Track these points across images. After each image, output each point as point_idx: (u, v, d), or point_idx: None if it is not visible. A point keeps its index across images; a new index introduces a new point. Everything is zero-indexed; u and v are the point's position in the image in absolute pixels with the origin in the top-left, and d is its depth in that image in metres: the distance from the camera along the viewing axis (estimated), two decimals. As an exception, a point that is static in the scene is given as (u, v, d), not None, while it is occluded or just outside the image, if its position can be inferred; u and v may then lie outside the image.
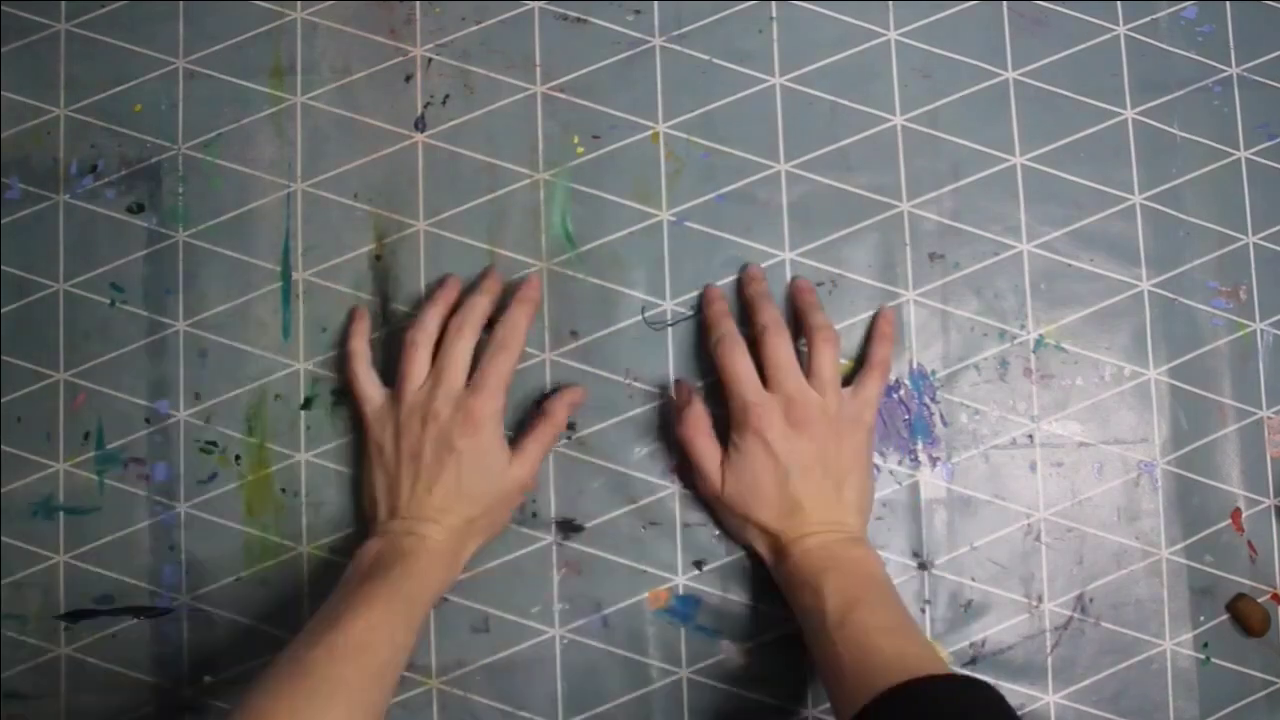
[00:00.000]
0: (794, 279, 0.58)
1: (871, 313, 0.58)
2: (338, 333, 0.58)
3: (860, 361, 0.57)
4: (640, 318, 0.58)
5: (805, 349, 0.55)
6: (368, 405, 0.54)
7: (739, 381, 0.53)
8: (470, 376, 0.53)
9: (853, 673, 0.46)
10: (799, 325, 0.56)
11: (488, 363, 0.52)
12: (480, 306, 0.54)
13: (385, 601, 0.47)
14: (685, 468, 0.56)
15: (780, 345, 0.53)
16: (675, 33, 0.60)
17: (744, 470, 0.53)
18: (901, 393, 0.58)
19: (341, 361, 0.56)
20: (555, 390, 0.57)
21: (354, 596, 0.47)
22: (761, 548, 0.54)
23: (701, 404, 0.55)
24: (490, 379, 0.52)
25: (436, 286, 0.56)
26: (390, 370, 0.55)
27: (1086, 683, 0.56)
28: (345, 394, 0.57)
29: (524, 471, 0.54)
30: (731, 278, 0.58)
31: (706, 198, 0.59)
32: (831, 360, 0.53)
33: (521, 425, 0.56)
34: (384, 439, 0.53)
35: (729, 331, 0.54)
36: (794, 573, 0.51)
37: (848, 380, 0.56)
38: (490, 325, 0.55)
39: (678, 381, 0.57)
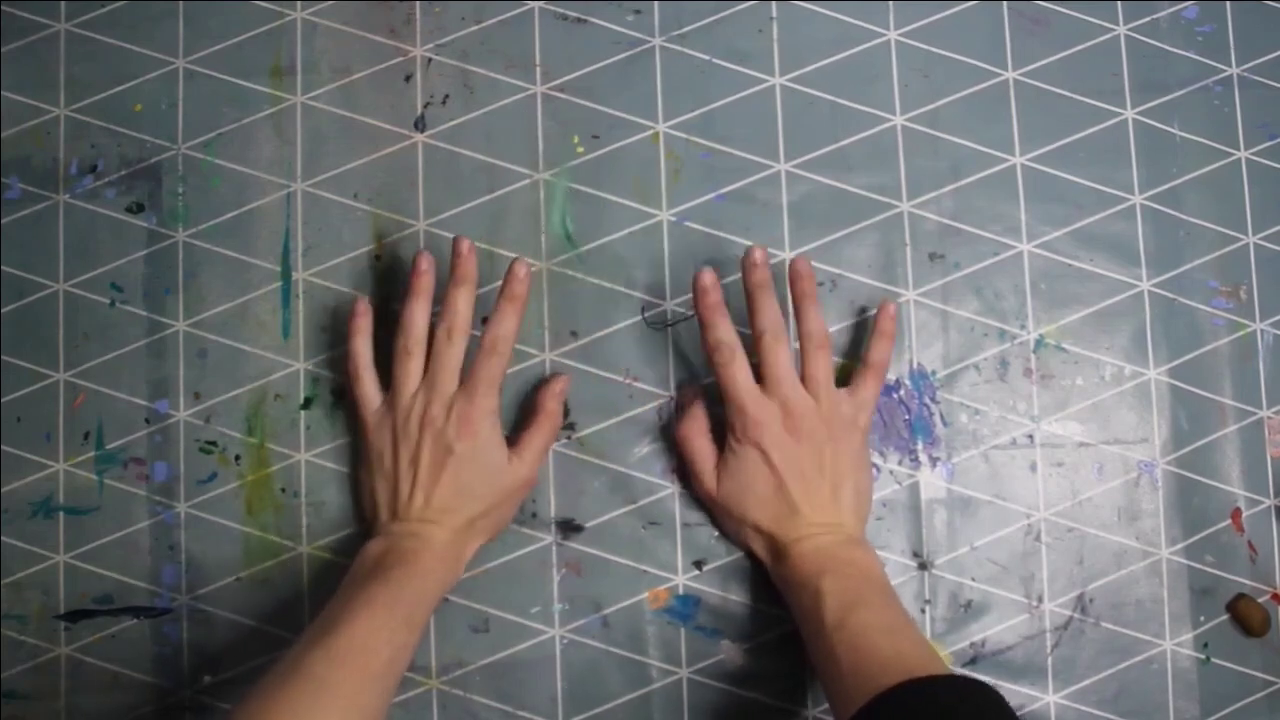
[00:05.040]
0: (793, 261, 0.55)
1: (872, 312, 0.58)
2: (338, 332, 0.58)
3: (858, 359, 0.57)
4: (640, 318, 0.58)
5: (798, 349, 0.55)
6: (366, 410, 0.54)
7: (736, 387, 0.53)
8: (463, 378, 0.53)
9: (851, 673, 0.46)
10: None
11: (478, 367, 0.52)
12: (465, 305, 0.53)
13: (386, 604, 0.47)
14: (683, 473, 0.56)
15: (779, 352, 0.52)
16: (675, 33, 0.60)
17: (739, 473, 0.53)
18: (901, 393, 0.58)
19: (343, 361, 0.56)
20: (541, 383, 0.56)
21: (354, 599, 0.48)
22: (759, 549, 0.54)
23: (702, 405, 0.56)
24: (481, 384, 0.52)
25: (411, 273, 0.54)
26: (388, 370, 0.55)
27: (1086, 683, 0.56)
28: (345, 394, 0.57)
29: (525, 468, 0.54)
30: (733, 277, 0.58)
31: (706, 198, 0.59)
32: (825, 365, 0.53)
33: (519, 425, 0.56)
34: (382, 445, 0.53)
35: (725, 340, 0.53)
36: (792, 574, 0.51)
37: (844, 379, 0.56)
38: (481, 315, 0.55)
39: (684, 384, 0.57)
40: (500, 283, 0.53)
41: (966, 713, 0.43)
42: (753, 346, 0.53)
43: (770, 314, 0.53)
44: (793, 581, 0.51)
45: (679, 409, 0.57)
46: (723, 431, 0.54)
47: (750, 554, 0.56)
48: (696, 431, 0.55)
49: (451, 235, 0.58)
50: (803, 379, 0.53)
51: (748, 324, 0.55)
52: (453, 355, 0.53)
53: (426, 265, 0.54)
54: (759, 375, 0.53)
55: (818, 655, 0.49)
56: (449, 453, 0.51)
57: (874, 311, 0.57)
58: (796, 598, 0.51)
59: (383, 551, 0.51)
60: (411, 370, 0.53)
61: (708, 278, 0.53)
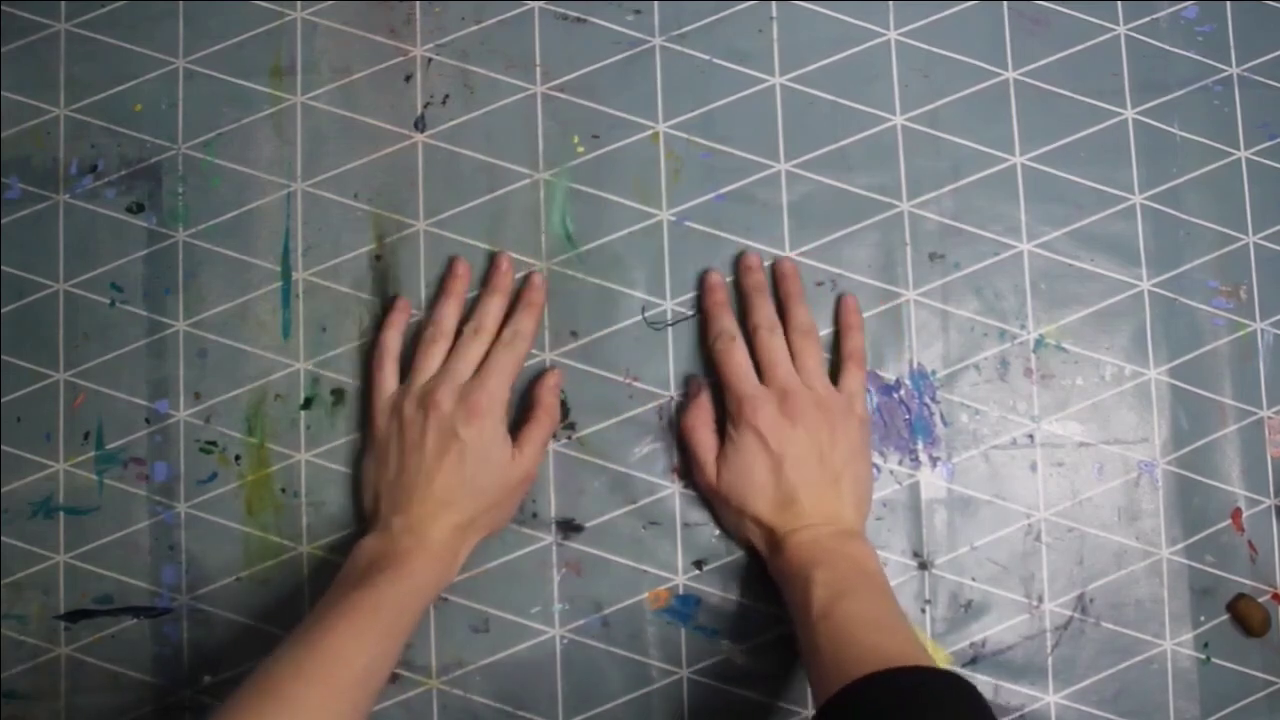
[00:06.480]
0: (776, 263, 0.58)
1: (870, 312, 0.58)
2: (338, 332, 0.58)
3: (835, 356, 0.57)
4: (640, 318, 0.58)
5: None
6: (379, 396, 0.54)
7: (735, 375, 0.54)
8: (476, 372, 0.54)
9: (831, 664, 0.46)
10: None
11: (493, 357, 0.53)
12: (495, 308, 0.55)
13: (366, 612, 0.47)
14: (686, 466, 0.57)
15: (774, 342, 0.55)
16: (675, 33, 0.60)
17: (738, 461, 0.53)
18: (902, 393, 0.58)
19: (369, 349, 0.56)
20: (534, 379, 0.56)
21: (336, 607, 0.47)
22: (758, 541, 0.54)
23: (707, 398, 0.56)
24: (494, 373, 0.53)
25: (447, 275, 0.57)
26: (407, 368, 0.55)
27: (1087, 683, 0.56)
28: (345, 394, 0.57)
29: (526, 462, 0.54)
30: (733, 277, 0.58)
31: (706, 198, 0.59)
32: (814, 353, 0.55)
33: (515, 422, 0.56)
34: (389, 429, 0.53)
35: (727, 329, 0.55)
36: (786, 565, 0.51)
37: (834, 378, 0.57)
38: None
39: (692, 377, 0.57)
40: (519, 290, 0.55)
41: (934, 702, 0.42)
42: (750, 342, 0.55)
43: (765, 310, 0.56)
44: (787, 572, 0.51)
45: (684, 401, 0.57)
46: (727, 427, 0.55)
47: (750, 549, 0.56)
48: (701, 423, 0.55)
49: (452, 235, 0.58)
50: (795, 369, 0.55)
51: (744, 327, 0.56)
52: (475, 349, 0.54)
53: (463, 270, 0.57)
54: (758, 369, 0.55)
55: (804, 645, 0.49)
56: (454, 437, 0.51)
57: (871, 311, 0.58)
58: (789, 588, 0.51)
59: (376, 550, 0.50)
60: (433, 355, 0.54)
61: (715, 277, 0.57)
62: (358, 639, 0.46)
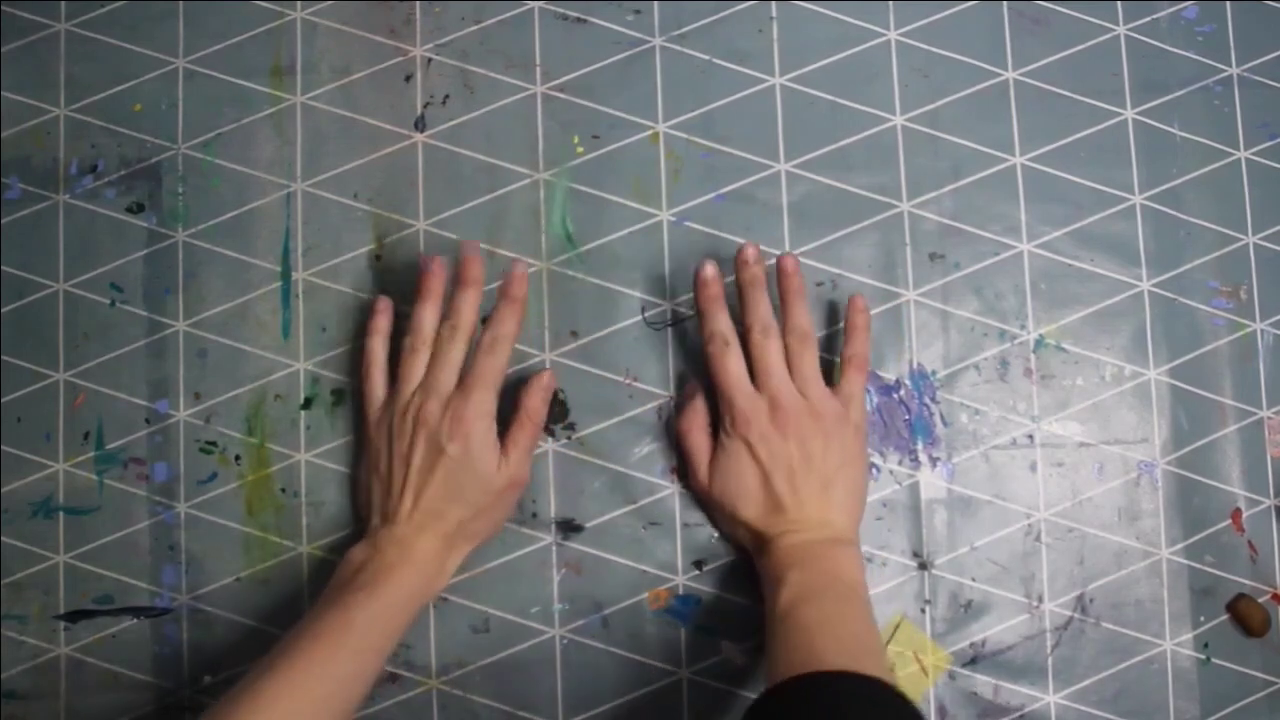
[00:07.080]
0: (779, 259, 0.55)
1: (870, 313, 0.58)
2: (338, 332, 0.58)
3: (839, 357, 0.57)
4: (640, 318, 0.58)
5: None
6: (370, 407, 0.54)
7: (727, 382, 0.53)
8: (461, 379, 0.53)
9: (780, 663, 0.46)
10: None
11: (476, 366, 0.52)
12: (469, 306, 0.53)
13: (339, 631, 0.47)
14: (684, 467, 0.57)
15: (769, 348, 0.53)
16: (675, 33, 0.60)
17: (728, 469, 0.53)
18: (901, 393, 0.58)
19: (357, 357, 0.56)
20: (526, 381, 0.55)
21: (310, 628, 0.48)
22: (748, 544, 0.54)
23: (703, 400, 0.56)
24: (478, 383, 0.52)
25: (421, 276, 0.54)
26: (392, 369, 0.55)
27: (1087, 683, 0.56)
28: (345, 394, 0.57)
29: (512, 469, 0.53)
30: (732, 277, 0.58)
31: (706, 198, 0.59)
32: (811, 360, 0.54)
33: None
34: (380, 441, 0.53)
35: (720, 331, 0.54)
36: (769, 567, 0.51)
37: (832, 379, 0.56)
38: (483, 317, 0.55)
39: (687, 380, 0.57)
40: (500, 283, 0.54)
41: (849, 708, 0.42)
42: (745, 343, 0.54)
43: (761, 310, 0.54)
44: (768, 575, 0.51)
45: (680, 404, 0.57)
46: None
47: (742, 550, 0.56)
48: (696, 426, 0.55)
49: (452, 235, 0.58)
50: (790, 374, 0.54)
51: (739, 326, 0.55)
52: (454, 353, 0.53)
53: (437, 267, 0.54)
54: (751, 371, 0.54)
55: (766, 644, 0.49)
56: (440, 453, 0.51)
57: (872, 312, 0.58)
58: (766, 589, 0.51)
59: (362, 562, 0.51)
60: (415, 367, 0.53)
61: (710, 270, 0.55)
62: (327, 659, 0.47)
